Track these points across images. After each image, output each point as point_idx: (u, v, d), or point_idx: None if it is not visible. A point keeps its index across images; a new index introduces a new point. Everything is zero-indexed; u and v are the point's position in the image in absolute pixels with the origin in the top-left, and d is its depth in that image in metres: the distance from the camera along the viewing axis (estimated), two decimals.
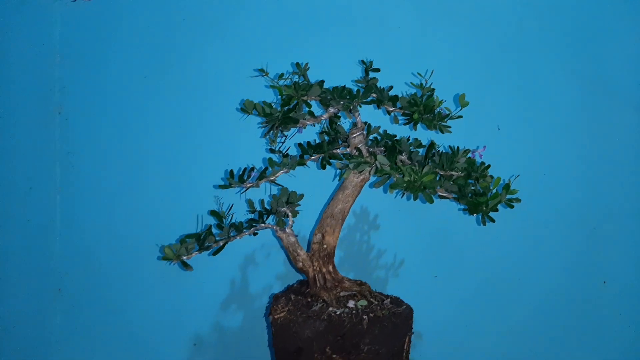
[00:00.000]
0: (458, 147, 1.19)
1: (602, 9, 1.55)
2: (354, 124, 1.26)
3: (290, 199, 1.30)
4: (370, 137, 1.30)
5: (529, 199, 1.50)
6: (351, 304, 1.19)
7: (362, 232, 1.57)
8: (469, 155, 1.18)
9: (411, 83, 1.17)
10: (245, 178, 1.23)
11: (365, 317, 1.13)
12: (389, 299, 1.25)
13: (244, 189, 1.23)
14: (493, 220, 1.13)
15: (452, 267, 1.57)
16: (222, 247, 1.24)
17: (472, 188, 1.18)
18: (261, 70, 1.21)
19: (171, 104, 1.55)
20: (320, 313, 1.14)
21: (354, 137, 1.24)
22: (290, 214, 1.28)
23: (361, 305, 1.18)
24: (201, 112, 1.55)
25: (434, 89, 1.17)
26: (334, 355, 1.11)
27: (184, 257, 1.22)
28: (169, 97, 1.55)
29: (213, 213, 1.26)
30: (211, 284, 1.58)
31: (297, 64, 1.22)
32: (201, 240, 1.23)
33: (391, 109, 1.21)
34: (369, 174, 1.21)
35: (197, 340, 1.59)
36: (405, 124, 1.22)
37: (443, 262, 1.57)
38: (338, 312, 1.14)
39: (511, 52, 1.54)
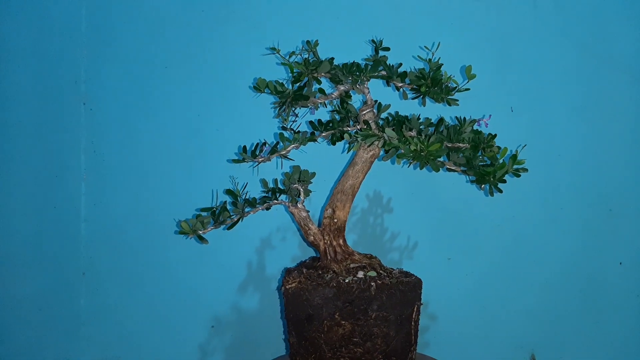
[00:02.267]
0: (464, 118, 1.21)
1: None
2: (364, 102, 1.29)
3: (302, 177, 1.33)
4: (382, 115, 1.33)
5: (543, 181, 1.51)
6: (360, 274, 1.21)
7: (375, 215, 1.58)
8: (475, 125, 1.20)
9: (418, 57, 1.20)
10: (258, 153, 1.27)
11: (373, 284, 1.15)
12: (397, 270, 1.27)
13: (257, 163, 1.27)
14: (501, 191, 1.14)
15: (465, 250, 1.57)
16: (236, 222, 1.27)
17: (481, 164, 1.19)
18: (273, 48, 1.25)
19: (190, 90, 1.61)
20: (329, 281, 1.17)
21: (364, 113, 1.27)
22: (302, 190, 1.31)
23: (370, 276, 1.20)
24: (218, 97, 1.60)
25: (442, 64, 1.19)
26: (343, 322, 1.13)
27: (200, 232, 1.26)
28: (188, 84, 1.60)
29: (228, 192, 1.30)
30: (228, 266, 1.61)
31: (308, 41, 1.26)
32: (216, 215, 1.27)
33: (400, 85, 1.24)
34: (378, 147, 1.24)
35: (215, 322, 1.63)
36: (413, 98, 1.24)
37: (457, 245, 1.58)
38: (347, 280, 1.17)
39: (525, 33, 1.54)
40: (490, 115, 1.20)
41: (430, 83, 1.18)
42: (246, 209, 1.29)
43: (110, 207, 1.65)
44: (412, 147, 1.09)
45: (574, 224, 1.55)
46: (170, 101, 1.62)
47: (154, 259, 1.64)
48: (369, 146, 1.24)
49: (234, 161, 1.27)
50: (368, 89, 1.26)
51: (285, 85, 1.23)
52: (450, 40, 1.38)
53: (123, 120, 1.64)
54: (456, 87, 1.19)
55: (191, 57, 1.61)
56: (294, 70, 1.22)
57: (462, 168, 1.20)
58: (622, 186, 1.54)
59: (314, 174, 1.33)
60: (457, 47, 1.45)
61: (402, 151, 1.12)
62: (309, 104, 1.26)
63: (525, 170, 1.13)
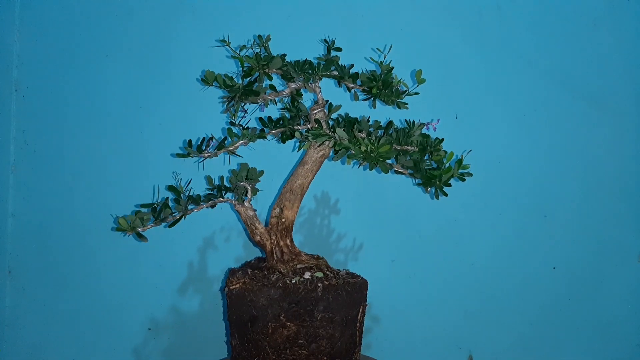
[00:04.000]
0: (413, 121, 1.22)
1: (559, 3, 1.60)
2: (315, 102, 1.28)
3: (250, 175, 1.30)
4: (333, 116, 1.32)
5: (484, 186, 1.56)
6: (307, 275, 1.19)
7: (322, 216, 1.57)
8: (424, 129, 1.21)
9: (371, 58, 1.20)
10: (204, 148, 1.22)
11: (319, 284, 1.13)
12: (344, 271, 1.26)
13: (202, 159, 1.22)
14: (446, 194, 1.16)
15: (409, 252, 1.59)
16: (179, 219, 1.23)
17: (427, 167, 1.20)
18: (223, 40, 1.21)
19: (132, 80, 1.54)
20: (275, 282, 1.14)
21: (315, 112, 1.25)
22: (249, 188, 1.28)
23: (317, 277, 1.19)
24: (163, 88, 1.54)
25: (392, 67, 1.20)
26: (288, 323, 1.11)
27: (139, 229, 1.20)
28: (130, 73, 1.54)
29: (171, 188, 1.25)
30: (168, 266, 1.56)
31: (259, 35, 1.23)
32: (157, 212, 1.21)
33: (351, 86, 1.24)
34: (329, 147, 1.23)
35: (152, 324, 1.56)
36: (364, 100, 1.24)
37: (401, 247, 1.59)
38: (294, 281, 1.15)
39: (471, 44, 1.58)
40: (439, 120, 1.22)
41: (382, 85, 1.18)
42: (189, 207, 1.24)
43: (40, 202, 1.56)
44: (363, 148, 1.09)
45: (510, 228, 1.60)
46: (110, 91, 1.55)
47: (86, 257, 1.56)
48: (319, 145, 1.23)
49: (178, 155, 1.22)
50: (319, 88, 1.25)
51: (235, 80, 1.20)
52: (399, 46, 1.39)
53: (58, 109, 1.55)
54: (406, 90, 1.20)
55: (135, 46, 1.54)
56: (245, 64, 1.19)
57: (409, 171, 1.21)
58: (556, 193, 1.61)
59: (262, 172, 1.30)
60: (405, 53, 1.46)
61: (353, 152, 1.12)
62: (259, 100, 1.23)
63: (470, 174, 1.16)
